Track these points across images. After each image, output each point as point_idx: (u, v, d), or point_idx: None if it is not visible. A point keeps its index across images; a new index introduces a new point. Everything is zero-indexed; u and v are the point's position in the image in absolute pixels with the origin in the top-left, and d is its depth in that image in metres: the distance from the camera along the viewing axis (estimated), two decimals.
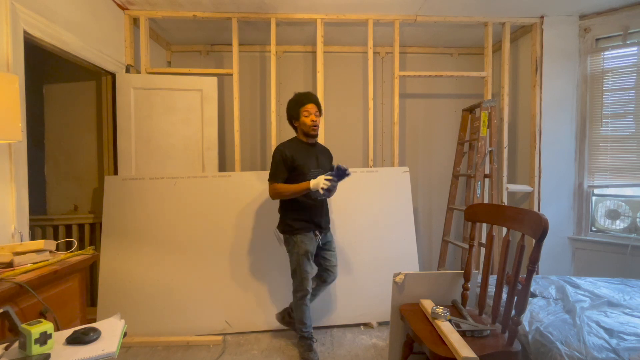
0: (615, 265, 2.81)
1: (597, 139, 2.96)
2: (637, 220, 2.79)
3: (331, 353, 2.30)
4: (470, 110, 3.20)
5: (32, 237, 2.50)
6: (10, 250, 1.49)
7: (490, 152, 2.97)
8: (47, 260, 1.51)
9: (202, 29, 3.23)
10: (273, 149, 2.99)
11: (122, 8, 2.82)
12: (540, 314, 1.85)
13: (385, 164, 3.64)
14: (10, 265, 1.41)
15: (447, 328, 1.57)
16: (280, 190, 2.14)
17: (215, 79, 2.96)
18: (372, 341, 2.43)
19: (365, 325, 2.66)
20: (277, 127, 3.14)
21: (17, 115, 1.47)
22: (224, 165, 3.46)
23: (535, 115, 3.02)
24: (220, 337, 2.45)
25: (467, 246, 2.82)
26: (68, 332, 1.16)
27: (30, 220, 1.97)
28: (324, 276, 2.32)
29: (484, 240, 2.95)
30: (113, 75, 2.77)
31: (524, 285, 1.47)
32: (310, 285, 2.23)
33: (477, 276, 2.05)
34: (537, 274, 2.91)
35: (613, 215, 2.89)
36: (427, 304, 1.80)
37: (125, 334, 1.23)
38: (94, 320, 1.67)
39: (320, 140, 3.03)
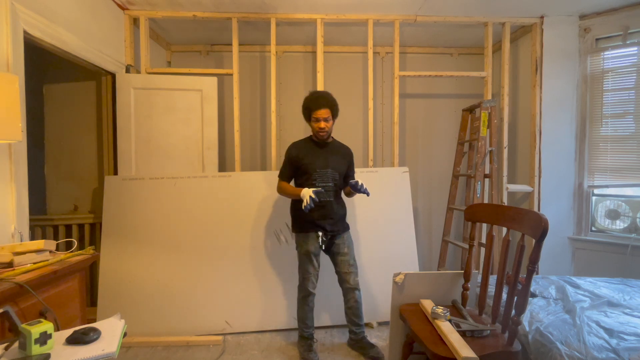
0: (615, 265, 2.81)
1: (597, 139, 2.96)
2: (637, 220, 2.79)
3: (331, 353, 2.30)
4: (470, 110, 3.20)
5: (32, 237, 2.50)
6: (10, 250, 1.49)
7: (490, 152, 2.97)
8: (47, 260, 1.51)
9: (202, 29, 3.23)
10: (273, 149, 3.02)
11: (122, 8, 2.82)
12: (540, 314, 1.85)
13: (385, 164, 3.64)
14: (10, 265, 1.41)
15: (447, 328, 1.56)
16: (282, 188, 2.24)
17: (215, 79, 2.96)
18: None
19: (366, 325, 2.65)
20: (277, 127, 3.14)
21: (17, 115, 1.47)
22: (224, 165, 3.46)
23: (535, 115, 3.02)
24: (220, 337, 2.45)
25: (467, 246, 2.82)
26: (68, 332, 1.16)
27: (30, 220, 1.97)
28: (339, 282, 2.29)
29: (484, 240, 2.95)
30: (113, 75, 2.77)
31: (524, 285, 1.47)
32: (311, 286, 2.22)
33: (477, 276, 2.05)
34: (537, 274, 2.91)
35: (613, 215, 2.89)
36: (427, 304, 1.80)
37: (125, 334, 1.23)
38: (94, 320, 1.67)
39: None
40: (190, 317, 2.51)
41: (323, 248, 2.23)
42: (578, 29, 2.99)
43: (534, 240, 1.44)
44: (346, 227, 2.30)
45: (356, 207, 2.78)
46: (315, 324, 2.59)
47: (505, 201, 3.06)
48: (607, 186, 2.94)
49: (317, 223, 2.18)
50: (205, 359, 2.24)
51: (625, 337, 1.59)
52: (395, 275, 1.95)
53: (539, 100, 3.01)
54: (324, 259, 2.32)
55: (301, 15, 2.94)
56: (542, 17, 3.00)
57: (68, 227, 2.80)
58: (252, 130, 3.63)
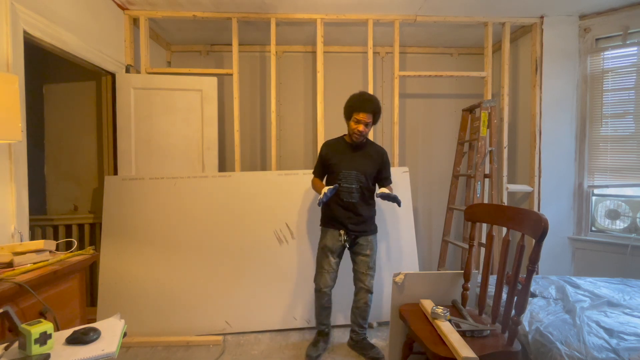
0: (615, 265, 2.81)
1: (597, 139, 2.96)
2: (637, 220, 2.79)
3: (331, 353, 2.30)
4: (470, 110, 3.20)
5: (32, 237, 2.51)
6: (10, 250, 1.49)
7: (490, 152, 2.97)
8: (47, 260, 1.51)
9: (202, 29, 3.23)
10: (273, 149, 3.02)
11: (122, 8, 2.82)
12: (540, 314, 1.85)
13: None
14: (10, 265, 1.41)
15: (447, 328, 1.56)
16: (313, 183, 2.34)
17: (215, 79, 2.96)
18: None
19: None
20: (277, 127, 3.15)
21: (17, 115, 1.47)
22: (224, 165, 3.46)
23: (535, 115, 3.02)
24: (220, 337, 2.45)
25: (467, 246, 2.82)
26: (68, 332, 1.16)
27: (30, 220, 1.97)
28: (354, 281, 2.29)
29: (484, 240, 2.95)
30: (113, 75, 2.77)
31: (524, 285, 1.47)
32: (323, 283, 2.22)
33: (477, 276, 2.05)
34: (537, 274, 2.91)
35: (613, 215, 2.89)
36: (427, 304, 1.80)
37: (125, 334, 1.23)
38: (94, 320, 1.67)
39: (320, 140, 3.03)
40: (190, 317, 2.51)
41: (347, 246, 2.24)
42: (578, 29, 2.99)
43: (534, 240, 1.44)
44: (372, 230, 2.26)
45: None
46: None
47: (505, 201, 3.06)
48: (607, 186, 2.94)
49: (340, 221, 2.20)
50: (205, 359, 2.24)
51: (625, 337, 1.59)
52: (395, 275, 1.95)
53: (539, 100, 3.01)
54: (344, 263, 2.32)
55: (301, 15, 2.94)
56: (542, 17, 3.00)
57: (68, 227, 2.80)
58: (252, 130, 3.63)
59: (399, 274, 1.94)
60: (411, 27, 3.20)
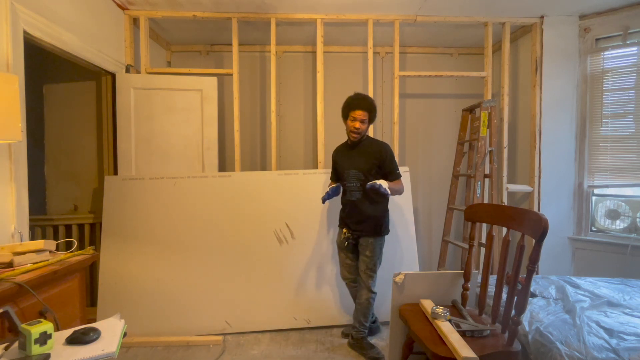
0: (615, 265, 2.81)
1: (597, 139, 2.96)
2: (637, 220, 2.79)
3: (331, 353, 2.30)
4: (470, 110, 3.20)
5: (32, 237, 2.50)
6: (10, 250, 1.49)
7: (490, 152, 2.97)
8: (47, 260, 1.51)
9: (202, 29, 3.23)
10: (273, 149, 3.02)
11: (122, 8, 2.82)
12: (540, 314, 1.85)
13: None
14: (10, 265, 1.41)
15: (447, 328, 1.56)
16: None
17: (215, 79, 2.96)
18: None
19: None
20: (277, 127, 3.14)
21: (17, 115, 1.47)
22: (224, 165, 3.46)
23: (535, 115, 3.02)
24: (220, 337, 2.45)
25: (467, 246, 2.82)
26: (68, 332, 1.16)
27: (30, 220, 1.97)
28: (358, 278, 2.34)
29: (484, 240, 2.95)
30: (113, 75, 2.77)
31: (524, 285, 1.47)
32: (343, 275, 2.42)
33: (477, 276, 2.05)
34: (537, 274, 2.91)
35: (613, 215, 2.89)
36: (427, 304, 1.80)
37: (125, 334, 1.23)
38: (94, 320, 1.67)
39: (320, 140, 3.03)
40: (190, 317, 2.51)
41: (346, 244, 2.30)
42: (578, 29, 2.99)
43: (534, 240, 1.44)
44: (374, 232, 2.23)
45: None
46: (316, 324, 2.60)
47: (505, 201, 3.06)
48: (607, 186, 2.94)
49: (345, 220, 2.33)
50: (205, 359, 2.24)
51: (625, 337, 1.59)
52: (395, 275, 1.95)
53: (539, 100, 3.01)
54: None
55: (301, 15, 2.94)
56: (542, 17, 3.00)
57: (68, 227, 2.80)
58: (252, 130, 3.63)
59: (399, 274, 1.94)
60: (411, 27, 3.20)
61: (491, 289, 2.03)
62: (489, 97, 3.05)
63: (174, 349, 2.35)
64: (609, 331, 1.65)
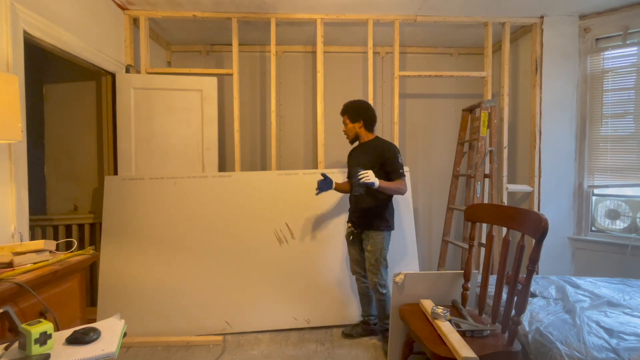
0: (615, 265, 2.81)
1: (597, 139, 2.96)
2: (637, 220, 2.79)
3: (331, 353, 2.30)
4: (470, 110, 3.20)
5: (32, 237, 2.50)
6: (10, 250, 1.49)
7: (490, 152, 2.97)
8: (47, 260, 1.51)
9: (202, 29, 3.23)
10: (273, 149, 3.02)
11: (122, 8, 2.82)
12: (540, 314, 1.85)
13: None
14: (10, 265, 1.41)
15: (447, 328, 1.57)
16: None
17: (215, 79, 2.96)
18: (372, 341, 2.43)
19: None
20: (277, 127, 3.14)
21: (17, 115, 1.47)
22: (224, 165, 3.46)
23: (535, 115, 3.02)
24: (220, 337, 2.45)
25: (467, 246, 2.81)
26: (68, 332, 1.16)
27: (30, 220, 1.97)
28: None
29: (484, 240, 2.95)
30: (113, 75, 2.77)
31: (524, 285, 1.47)
32: (351, 269, 2.52)
33: (477, 276, 2.05)
34: (537, 274, 2.91)
35: (613, 215, 2.89)
36: (427, 304, 1.80)
37: (125, 334, 1.23)
38: (94, 320, 1.67)
39: (320, 140, 3.03)
40: (190, 317, 2.51)
41: (351, 238, 2.43)
42: (578, 29, 2.99)
43: (533, 240, 1.44)
44: (373, 226, 2.30)
45: None
46: (316, 324, 2.60)
47: (505, 201, 3.06)
48: (607, 186, 2.94)
49: (350, 215, 2.49)
50: (205, 359, 2.24)
51: (625, 337, 1.59)
52: (395, 275, 1.95)
53: (539, 100, 3.01)
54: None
55: (301, 15, 2.94)
56: (542, 17, 3.00)
57: (68, 227, 2.80)
58: (252, 130, 3.63)
59: (399, 274, 1.95)
60: (411, 27, 3.20)
61: (491, 289, 2.03)
62: (489, 97, 3.05)
63: (174, 349, 2.35)
64: (609, 331, 1.65)
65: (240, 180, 2.78)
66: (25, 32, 1.89)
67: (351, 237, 2.43)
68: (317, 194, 2.33)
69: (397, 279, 1.93)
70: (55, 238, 2.74)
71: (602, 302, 1.98)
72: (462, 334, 1.54)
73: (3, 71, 1.72)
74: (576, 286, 2.22)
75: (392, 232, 2.37)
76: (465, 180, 3.35)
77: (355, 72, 3.63)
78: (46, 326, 1.07)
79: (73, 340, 1.13)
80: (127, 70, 2.83)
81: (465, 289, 1.89)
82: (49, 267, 1.44)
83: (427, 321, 1.71)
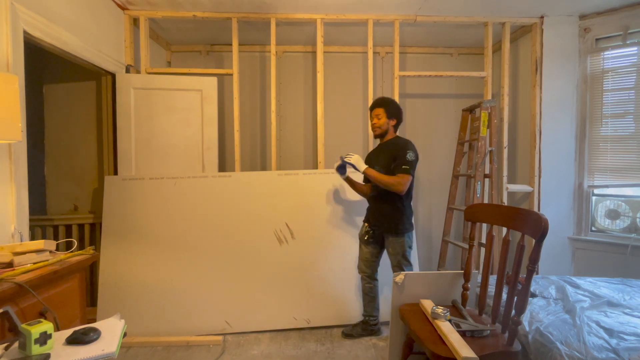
0: (615, 265, 2.81)
1: (597, 139, 2.96)
2: (637, 220, 2.79)
3: (331, 353, 2.30)
4: (470, 110, 3.20)
5: (32, 237, 2.51)
6: (10, 250, 1.49)
7: (490, 152, 2.97)
8: (47, 260, 1.51)
9: (202, 29, 3.23)
10: (273, 149, 3.02)
11: (122, 8, 2.82)
12: (540, 314, 1.85)
13: None
14: (10, 265, 1.41)
15: (447, 328, 1.56)
16: None
17: (215, 79, 2.96)
18: (372, 341, 2.43)
19: None
20: (277, 127, 3.14)
21: (17, 115, 1.47)
22: (224, 165, 3.46)
23: (535, 115, 3.02)
24: (220, 337, 2.45)
25: (467, 246, 2.82)
26: (68, 332, 1.16)
27: (30, 220, 1.97)
28: None
29: (484, 240, 2.95)
30: (113, 75, 2.77)
31: (524, 285, 1.47)
32: (360, 268, 2.49)
33: (477, 276, 2.05)
34: (537, 274, 2.91)
35: (613, 215, 2.89)
36: (427, 304, 1.80)
37: (125, 334, 1.23)
38: (94, 320, 1.67)
39: (320, 140, 3.03)
40: (190, 317, 2.51)
41: (366, 238, 2.41)
42: (578, 29, 2.99)
43: (534, 240, 1.44)
44: (393, 230, 2.27)
45: (356, 207, 2.78)
46: (316, 324, 2.60)
47: (505, 201, 3.06)
48: (607, 186, 2.94)
49: (367, 215, 2.45)
50: (205, 359, 2.24)
51: (625, 337, 1.59)
52: (396, 275, 1.95)
53: (539, 100, 3.01)
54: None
55: (301, 15, 2.94)
56: (542, 17, 3.00)
57: (68, 227, 2.80)
58: (252, 130, 3.63)
59: (399, 274, 1.94)
60: (411, 27, 3.20)
61: (491, 289, 2.03)
62: (489, 97, 3.05)
63: (174, 349, 2.35)
64: (609, 331, 1.65)
65: (240, 180, 2.78)
66: (25, 32, 1.89)
67: (366, 237, 2.41)
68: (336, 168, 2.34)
69: (397, 279, 1.93)
70: (55, 238, 2.74)
71: (602, 302, 1.98)
72: (462, 334, 1.54)
73: (3, 71, 1.72)
74: (576, 286, 2.22)
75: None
76: (465, 180, 3.35)
77: (355, 72, 3.63)
78: (46, 326, 1.07)
79: (73, 340, 1.13)
80: (127, 70, 2.83)
81: (465, 289, 1.88)
82: (49, 267, 1.44)
83: (427, 321, 1.71)
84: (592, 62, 2.97)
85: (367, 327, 2.49)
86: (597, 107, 2.95)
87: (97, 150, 2.91)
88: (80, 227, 2.83)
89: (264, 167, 3.63)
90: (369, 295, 2.48)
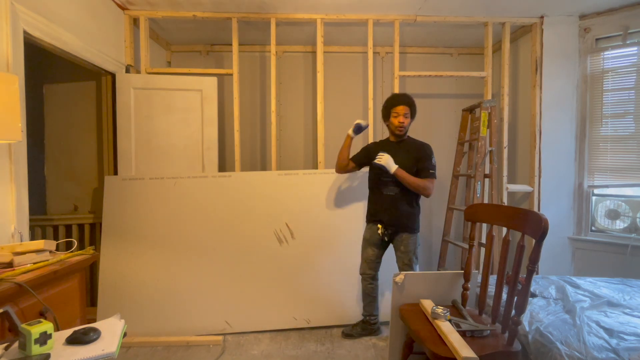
0: (615, 265, 2.81)
1: (597, 139, 2.96)
2: (637, 220, 2.79)
3: (331, 353, 2.30)
4: (470, 110, 3.20)
5: (32, 237, 2.50)
6: (10, 250, 1.49)
7: (490, 152, 2.97)
8: (47, 260, 1.51)
9: (202, 29, 3.23)
10: (273, 148, 3.02)
11: (122, 8, 2.82)
12: (540, 314, 1.85)
13: None
14: (10, 265, 1.41)
15: (447, 328, 1.56)
16: (340, 151, 2.48)
17: (215, 79, 2.96)
18: (372, 341, 2.43)
19: None
20: (277, 127, 3.14)
21: (17, 115, 1.47)
22: (224, 165, 3.46)
23: (535, 115, 3.02)
24: (220, 337, 2.45)
25: (467, 246, 2.81)
26: (68, 332, 1.16)
27: (30, 220, 1.97)
28: None
29: (484, 240, 2.95)
30: (113, 75, 2.77)
31: (524, 285, 1.47)
32: (363, 270, 2.45)
33: (477, 276, 2.05)
34: (537, 274, 2.91)
35: (613, 215, 2.89)
36: (427, 304, 1.80)
37: (125, 334, 1.23)
38: (94, 320, 1.67)
39: (320, 140, 3.03)
40: (190, 317, 2.51)
41: (386, 239, 2.36)
42: (578, 29, 2.99)
43: (534, 240, 1.44)
44: (408, 228, 2.30)
45: (356, 207, 2.78)
46: (316, 324, 2.60)
47: (505, 201, 3.06)
48: (607, 186, 2.94)
49: (377, 216, 2.37)
50: (205, 359, 2.24)
51: (625, 337, 1.59)
52: (395, 275, 1.95)
53: (539, 100, 3.01)
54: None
55: (301, 15, 2.94)
56: (542, 17, 3.00)
57: (68, 227, 2.80)
58: (252, 130, 3.63)
59: (399, 274, 1.95)
60: (411, 27, 3.20)
61: (491, 289, 2.03)
62: (489, 97, 3.05)
63: (174, 349, 2.35)
64: (609, 331, 1.65)
65: (240, 180, 2.78)
66: (25, 32, 1.89)
67: (385, 238, 2.34)
68: (355, 129, 2.36)
69: (397, 279, 1.93)
70: (55, 238, 2.74)
71: (602, 302, 1.98)
72: (462, 334, 1.54)
73: (3, 71, 1.73)
74: (576, 286, 2.22)
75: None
76: (465, 180, 3.35)
77: (355, 72, 3.63)
78: (46, 326, 1.07)
79: (73, 340, 1.13)
80: (127, 70, 2.83)
81: (465, 289, 1.89)
82: (49, 267, 1.44)
83: (427, 321, 1.71)
84: (592, 62, 2.97)
85: (367, 326, 2.49)
86: (597, 107, 2.95)
87: (97, 150, 2.91)
88: (80, 227, 2.83)
89: (264, 167, 3.63)
90: (371, 296, 2.48)
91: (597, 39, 2.96)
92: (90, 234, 2.85)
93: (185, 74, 3.01)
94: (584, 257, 3.00)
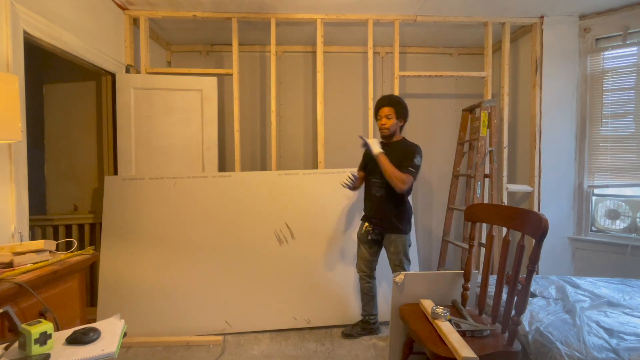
0: (615, 265, 2.81)
1: (597, 139, 2.96)
2: (637, 220, 2.79)
3: (331, 353, 2.30)
4: (470, 110, 3.20)
5: (32, 237, 2.50)
6: (10, 250, 1.49)
7: (490, 152, 2.97)
8: (47, 260, 1.51)
9: (202, 29, 3.23)
10: (273, 148, 3.02)
11: (122, 8, 2.82)
12: (540, 314, 1.85)
13: None
14: (10, 265, 1.41)
15: (447, 328, 1.56)
16: None
17: (215, 79, 2.96)
18: (372, 341, 2.43)
19: None
20: (277, 127, 3.14)
21: (17, 115, 1.47)
22: (224, 165, 3.46)
23: (535, 115, 3.02)
24: (220, 337, 2.45)
25: (467, 246, 2.82)
26: (68, 332, 1.16)
27: (30, 220, 1.97)
28: None
29: (484, 240, 2.95)
30: (113, 75, 2.77)
31: (524, 285, 1.47)
32: (359, 268, 2.47)
33: (477, 276, 2.05)
34: (537, 274, 2.91)
35: (613, 215, 2.89)
36: (427, 304, 1.80)
37: (125, 334, 1.23)
38: (94, 320, 1.67)
39: (320, 140, 3.03)
40: (190, 317, 2.51)
41: (369, 238, 2.37)
42: (578, 29, 2.99)
43: (534, 240, 1.44)
44: (396, 229, 2.28)
45: (356, 207, 2.78)
46: (316, 324, 2.60)
47: (505, 201, 3.06)
48: (607, 186, 2.94)
49: (367, 215, 2.42)
50: (205, 359, 2.24)
51: (625, 337, 1.59)
52: (395, 275, 1.95)
53: (539, 100, 3.01)
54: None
55: (301, 15, 2.94)
56: (542, 17, 3.00)
57: (68, 227, 2.80)
58: (252, 130, 3.63)
59: (399, 273, 1.94)
60: (411, 27, 3.20)
61: (491, 289, 2.03)
62: (489, 97, 3.05)
63: (174, 349, 2.35)
64: (609, 331, 1.65)
65: (240, 180, 2.78)
66: (25, 32, 1.89)
67: (369, 236, 2.37)
68: (345, 185, 2.34)
69: (397, 279, 1.93)
70: (55, 238, 2.74)
71: (602, 302, 1.98)
72: (462, 334, 1.54)
73: (3, 71, 1.73)
74: (576, 286, 2.22)
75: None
76: (465, 180, 3.35)
77: (355, 72, 3.63)
78: (46, 326, 1.07)
79: (73, 340, 1.13)
80: (127, 70, 2.83)
81: (465, 289, 1.89)
82: (49, 267, 1.44)
83: (427, 321, 1.71)
84: (592, 62, 2.97)
85: (367, 326, 2.49)
86: (597, 107, 2.95)
87: (97, 150, 2.91)
88: (80, 227, 2.83)
89: (264, 167, 3.63)
90: (369, 295, 2.48)
91: (597, 39, 2.96)
92: (90, 234, 2.85)
93: (185, 74, 3.01)
94: (584, 257, 3.00)
